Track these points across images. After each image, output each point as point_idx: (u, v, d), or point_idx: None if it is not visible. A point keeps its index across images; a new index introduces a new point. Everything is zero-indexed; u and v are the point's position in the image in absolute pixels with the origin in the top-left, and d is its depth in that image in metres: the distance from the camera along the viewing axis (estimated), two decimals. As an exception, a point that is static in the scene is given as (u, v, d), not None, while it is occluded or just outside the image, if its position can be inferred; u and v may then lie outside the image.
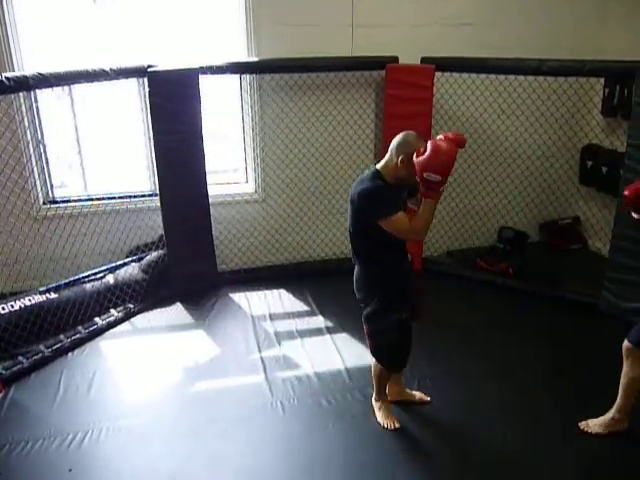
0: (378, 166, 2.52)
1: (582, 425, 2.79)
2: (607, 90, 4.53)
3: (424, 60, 4.29)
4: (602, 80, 4.49)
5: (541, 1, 4.59)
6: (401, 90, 4.22)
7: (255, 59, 4.18)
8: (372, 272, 2.61)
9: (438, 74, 4.28)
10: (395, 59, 4.26)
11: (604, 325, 3.80)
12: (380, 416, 2.89)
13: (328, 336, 3.73)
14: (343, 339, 3.69)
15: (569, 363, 3.42)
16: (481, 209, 5.02)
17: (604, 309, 3.93)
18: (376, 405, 2.95)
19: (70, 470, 2.59)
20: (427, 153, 2.28)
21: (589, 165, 4.80)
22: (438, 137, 2.46)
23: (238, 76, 4.28)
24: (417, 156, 2.31)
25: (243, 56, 4.22)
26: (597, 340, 3.66)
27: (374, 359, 2.79)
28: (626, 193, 2.55)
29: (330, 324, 3.88)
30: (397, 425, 2.84)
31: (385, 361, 2.75)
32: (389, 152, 2.49)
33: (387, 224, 2.38)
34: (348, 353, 3.53)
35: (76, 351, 3.56)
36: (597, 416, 2.78)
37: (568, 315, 3.99)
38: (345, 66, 4.29)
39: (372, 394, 2.97)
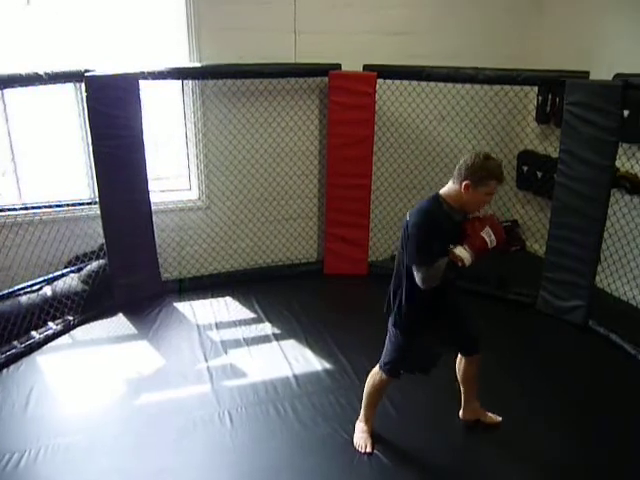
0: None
1: None
2: (540, 98, 4.72)
3: (366, 67, 4.34)
4: (536, 89, 4.68)
5: (474, 12, 4.73)
6: (344, 97, 4.26)
7: (197, 65, 4.11)
8: None
9: (380, 81, 4.35)
10: (338, 66, 4.30)
11: (540, 322, 3.99)
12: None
13: (275, 343, 3.72)
14: (290, 346, 3.69)
15: (505, 360, 3.54)
16: (424, 213, 5.11)
17: (541, 308, 4.09)
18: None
19: (6, 492, 2.49)
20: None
21: (525, 170, 4.99)
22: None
23: (180, 81, 4.21)
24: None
25: (185, 61, 4.16)
26: (533, 337, 3.85)
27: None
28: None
29: (277, 331, 3.86)
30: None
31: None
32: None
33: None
34: (295, 360, 3.53)
35: (11, 367, 3.40)
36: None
37: (508, 314, 4.14)
38: (289, 72, 4.29)
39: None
